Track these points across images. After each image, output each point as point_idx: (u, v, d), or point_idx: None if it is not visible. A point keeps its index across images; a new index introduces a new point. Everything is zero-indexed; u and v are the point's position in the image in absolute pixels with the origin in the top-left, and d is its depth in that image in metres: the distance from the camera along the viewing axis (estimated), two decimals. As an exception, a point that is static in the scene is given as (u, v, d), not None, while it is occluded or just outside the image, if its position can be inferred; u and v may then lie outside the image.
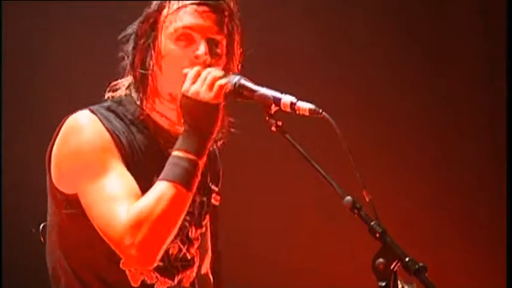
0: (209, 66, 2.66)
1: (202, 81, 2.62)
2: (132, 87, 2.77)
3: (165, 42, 2.70)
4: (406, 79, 5.11)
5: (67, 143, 2.69)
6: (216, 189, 2.95)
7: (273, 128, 2.56)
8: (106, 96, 2.83)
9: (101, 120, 2.69)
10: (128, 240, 2.53)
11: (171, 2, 2.71)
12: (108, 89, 2.83)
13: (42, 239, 2.91)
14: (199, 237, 2.89)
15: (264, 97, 2.59)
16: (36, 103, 4.58)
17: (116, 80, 2.84)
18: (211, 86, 2.61)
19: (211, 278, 3.04)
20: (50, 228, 2.82)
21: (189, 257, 2.85)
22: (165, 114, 2.76)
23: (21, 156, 4.51)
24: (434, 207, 5.06)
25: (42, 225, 2.93)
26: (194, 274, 2.89)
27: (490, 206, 5.10)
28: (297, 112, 2.53)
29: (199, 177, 2.61)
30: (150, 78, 2.71)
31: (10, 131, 4.52)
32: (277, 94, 2.57)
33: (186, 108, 2.62)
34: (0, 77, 4.49)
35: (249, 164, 4.72)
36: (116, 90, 2.82)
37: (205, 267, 3.01)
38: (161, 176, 2.60)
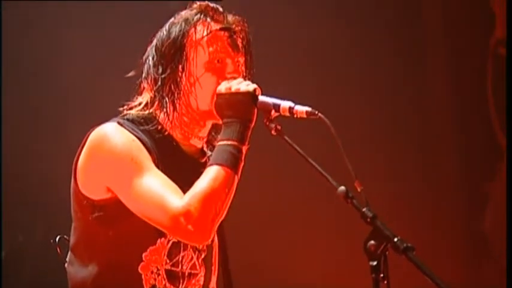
0: None
1: (239, 82, 2.91)
2: (154, 105, 2.99)
3: (198, 65, 2.96)
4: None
5: (99, 150, 2.90)
6: None
7: (273, 132, 2.83)
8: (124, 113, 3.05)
9: (129, 131, 2.91)
10: (183, 219, 2.76)
11: (197, 27, 2.97)
12: (126, 107, 3.05)
13: (58, 250, 3.10)
14: (206, 249, 3.09)
15: (264, 104, 2.86)
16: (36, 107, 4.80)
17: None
18: (247, 84, 2.90)
19: None
20: (74, 235, 3.02)
21: (197, 266, 3.06)
22: (186, 129, 3.00)
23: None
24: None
25: (58, 238, 3.12)
26: (196, 286, 3.09)
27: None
28: (295, 115, 2.80)
29: (243, 161, 2.85)
30: (181, 98, 2.96)
31: (10, 137, 4.71)
32: (277, 101, 2.84)
33: (223, 104, 2.89)
34: (0, 76, 4.69)
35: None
36: (132, 108, 3.05)
37: (213, 284, 3.19)
38: (210, 161, 2.85)
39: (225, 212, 2.85)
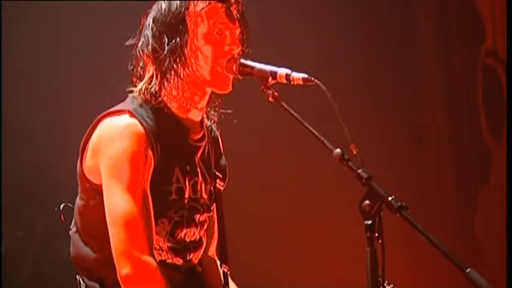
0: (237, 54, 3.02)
1: None
2: (159, 77, 3.05)
3: (199, 36, 3.02)
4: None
5: (106, 146, 2.96)
6: (220, 175, 3.23)
7: (270, 99, 2.88)
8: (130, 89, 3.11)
9: (140, 122, 2.97)
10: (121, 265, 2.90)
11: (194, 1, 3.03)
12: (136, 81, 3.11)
13: (63, 218, 3.15)
14: (207, 220, 3.19)
15: (262, 72, 2.92)
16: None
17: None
18: None
19: (217, 260, 3.32)
20: (78, 215, 3.09)
21: (199, 239, 3.16)
22: (186, 100, 3.06)
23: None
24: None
25: (62, 206, 3.17)
26: (201, 253, 3.19)
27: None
28: (292, 82, 2.86)
29: None
30: (185, 67, 3.02)
31: (9, 134, 4.71)
32: (274, 68, 2.90)
33: None
34: (0, 76, 4.70)
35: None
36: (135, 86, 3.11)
37: (212, 250, 3.31)
38: None
39: None
